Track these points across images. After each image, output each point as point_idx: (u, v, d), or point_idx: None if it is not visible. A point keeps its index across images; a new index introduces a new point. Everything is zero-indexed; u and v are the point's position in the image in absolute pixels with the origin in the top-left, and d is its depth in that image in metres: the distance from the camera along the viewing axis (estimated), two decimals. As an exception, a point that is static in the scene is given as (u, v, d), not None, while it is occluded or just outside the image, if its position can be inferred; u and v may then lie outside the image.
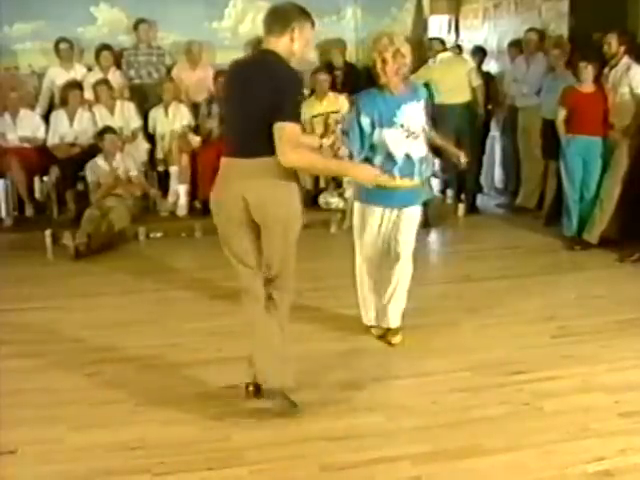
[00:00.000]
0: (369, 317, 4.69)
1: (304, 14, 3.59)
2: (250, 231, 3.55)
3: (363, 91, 4.43)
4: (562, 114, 6.74)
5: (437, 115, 7.88)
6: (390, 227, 4.44)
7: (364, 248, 4.53)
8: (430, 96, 4.48)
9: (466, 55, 8.98)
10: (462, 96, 8.08)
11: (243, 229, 3.54)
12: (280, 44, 3.51)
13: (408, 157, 4.27)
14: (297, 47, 3.54)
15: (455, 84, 8.03)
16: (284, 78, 3.43)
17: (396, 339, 4.55)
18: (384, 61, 4.17)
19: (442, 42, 8.66)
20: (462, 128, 7.94)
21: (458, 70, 8.16)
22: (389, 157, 4.26)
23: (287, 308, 3.75)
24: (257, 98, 3.41)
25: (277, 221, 3.49)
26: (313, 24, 3.64)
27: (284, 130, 3.32)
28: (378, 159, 4.27)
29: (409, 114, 4.25)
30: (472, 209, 8.37)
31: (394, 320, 4.58)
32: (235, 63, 3.74)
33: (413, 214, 4.46)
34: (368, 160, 4.23)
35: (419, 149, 4.32)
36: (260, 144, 3.39)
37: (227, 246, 3.62)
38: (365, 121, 4.23)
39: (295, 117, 3.40)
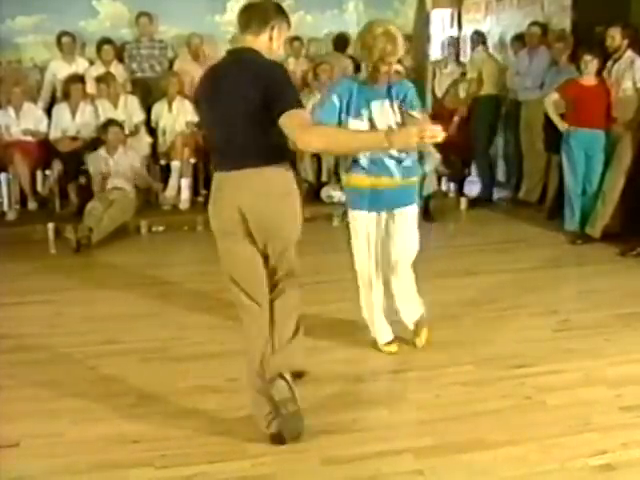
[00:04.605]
0: (384, 334, 4.46)
1: (282, 13, 3.39)
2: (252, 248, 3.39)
3: (344, 77, 4.35)
4: (553, 96, 6.79)
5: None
6: (382, 234, 4.27)
7: (358, 262, 4.35)
8: (421, 98, 4.24)
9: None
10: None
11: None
12: (258, 43, 3.30)
13: (374, 155, 4.07)
14: (275, 46, 3.35)
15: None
16: (273, 73, 3.20)
17: (419, 340, 4.46)
18: (376, 68, 3.96)
19: (482, 36, 8.89)
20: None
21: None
22: None
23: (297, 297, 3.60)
24: (247, 103, 3.16)
25: (284, 235, 3.40)
26: (289, 24, 3.43)
27: (290, 116, 3.08)
28: None
29: (379, 110, 4.03)
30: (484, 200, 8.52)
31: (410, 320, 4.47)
32: (213, 68, 3.45)
33: (405, 216, 4.23)
34: None
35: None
36: (256, 153, 3.24)
37: (231, 271, 3.45)
38: (336, 99, 4.04)
39: (298, 103, 3.17)
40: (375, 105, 4.05)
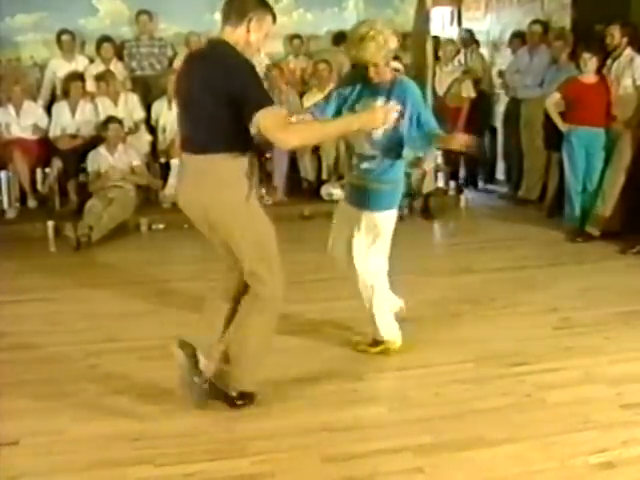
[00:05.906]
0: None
1: (264, 5, 3.41)
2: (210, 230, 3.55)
3: (353, 70, 4.35)
4: (555, 97, 6.79)
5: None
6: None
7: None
8: (424, 95, 4.22)
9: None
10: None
11: (205, 229, 3.56)
12: (235, 35, 3.34)
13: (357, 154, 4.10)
14: (254, 39, 3.37)
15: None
16: (237, 68, 3.26)
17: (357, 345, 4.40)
18: (376, 65, 3.93)
19: (472, 34, 9.22)
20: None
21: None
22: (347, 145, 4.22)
23: (266, 307, 3.58)
24: (209, 92, 3.27)
25: (222, 224, 3.45)
26: (274, 17, 3.45)
27: (266, 118, 3.18)
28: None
29: (370, 105, 3.92)
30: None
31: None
32: (187, 56, 3.67)
33: (367, 220, 4.09)
34: None
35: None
36: (210, 140, 3.35)
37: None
38: (340, 93, 4.06)
39: (268, 100, 3.24)
40: (368, 101, 3.98)
